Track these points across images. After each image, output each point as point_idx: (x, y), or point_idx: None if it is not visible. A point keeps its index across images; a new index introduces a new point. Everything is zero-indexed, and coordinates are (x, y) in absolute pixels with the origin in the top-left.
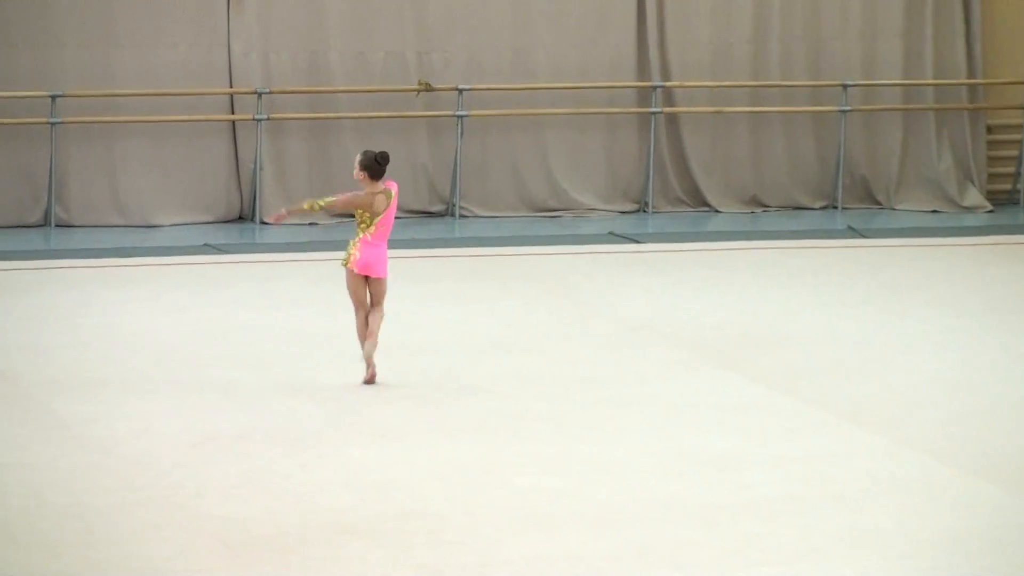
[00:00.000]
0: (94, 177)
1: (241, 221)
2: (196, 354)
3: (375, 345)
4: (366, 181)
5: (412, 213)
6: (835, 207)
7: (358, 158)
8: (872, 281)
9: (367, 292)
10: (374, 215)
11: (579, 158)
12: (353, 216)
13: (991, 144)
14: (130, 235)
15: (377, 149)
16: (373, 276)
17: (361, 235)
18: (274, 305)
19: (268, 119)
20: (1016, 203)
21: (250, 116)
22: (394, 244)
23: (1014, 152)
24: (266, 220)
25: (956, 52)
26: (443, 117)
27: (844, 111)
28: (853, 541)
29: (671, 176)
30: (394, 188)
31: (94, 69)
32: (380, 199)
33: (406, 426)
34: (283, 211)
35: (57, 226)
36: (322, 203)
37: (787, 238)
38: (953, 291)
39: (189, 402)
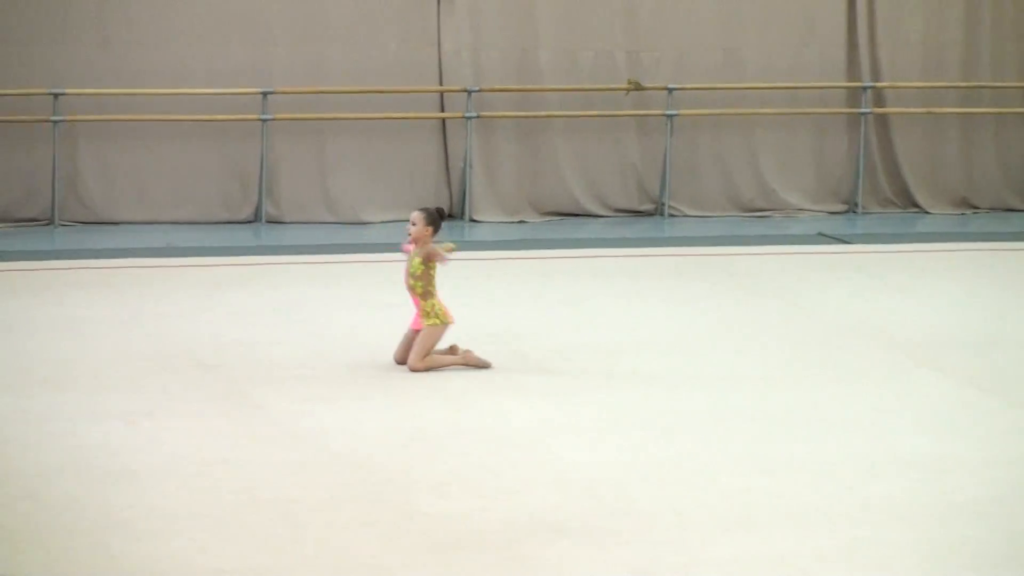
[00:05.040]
0: (304, 174)
1: (450, 219)
2: None
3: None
4: (426, 238)
5: (621, 212)
6: None
7: (421, 215)
8: None
9: None
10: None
11: (788, 158)
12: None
13: None
14: (339, 232)
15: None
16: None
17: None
18: (484, 303)
19: (478, 117)
20: None
21: (460, 114)
22: (602, 243)
23: None
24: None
25: None
26: (652, 116)
27: None
28: None
29: (881, 177)
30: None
31: (305, 66)
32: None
33: (614, 425)
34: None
35: (267, 222)
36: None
37: (997, 240)
38: None
39: (399, 399)
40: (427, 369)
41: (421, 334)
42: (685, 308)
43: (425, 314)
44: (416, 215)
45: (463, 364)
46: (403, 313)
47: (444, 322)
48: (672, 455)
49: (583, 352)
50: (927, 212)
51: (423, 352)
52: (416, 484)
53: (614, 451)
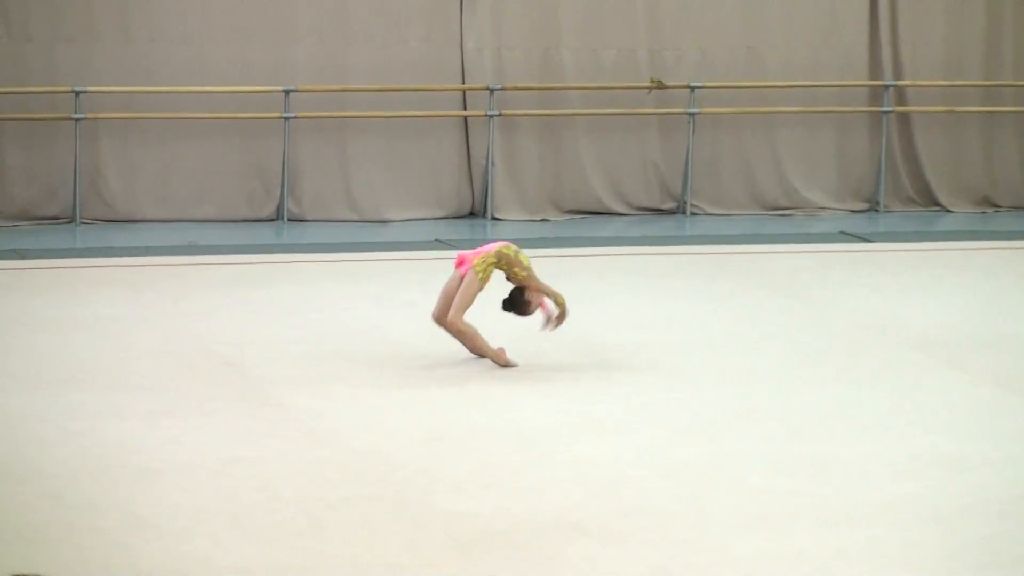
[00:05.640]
0: (326, 172)
1: (472, 217)
2: (426, 349)
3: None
4: (529, 295)
5: (643, 211)
6: None
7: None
8: None
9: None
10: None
11: (810, 156)
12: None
13: None
14: (362, 230)
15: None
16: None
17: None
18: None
19: (500, 115)
20: None
21: (482, 112)
22: (624, 241)
23: None
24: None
25: None
26: (674, 115)
27: None
28: None
29: (902, 175)
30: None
31: (327, 64)
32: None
33: (634, 423)
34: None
35: (289, 220)
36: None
37: (1019, 238)
38: None
39: (419, 398)
40: (459, 333)
41: (463, 284)
42: (706, 307)
43: (474, 266)
44: (520, 310)
45: (493, 357)
46: (424, 312)
47: (484, 279)
48: (692, 454)
49: (603, 350)
50: (949, 210)
51: (463, 305)
52: (436, 483)
53: (634, 449)
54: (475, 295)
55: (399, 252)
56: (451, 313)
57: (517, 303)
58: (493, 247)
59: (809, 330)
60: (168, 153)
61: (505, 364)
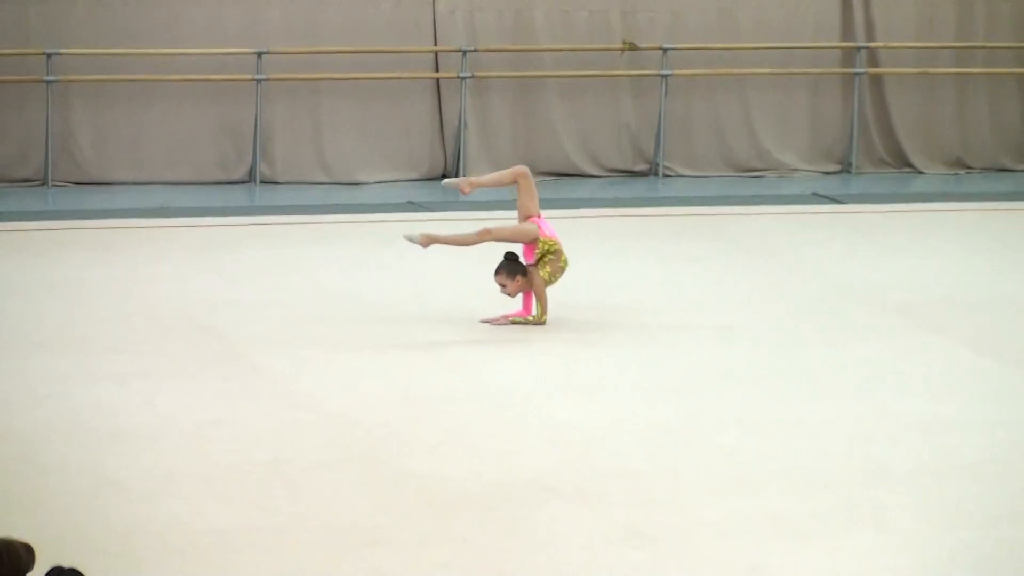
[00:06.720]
0: (298, 134)
1: (445, 179)
2: (400, 312)
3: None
4: (526, 283)
5: (615, 172)
6: None
7: (505, 275)
8: None
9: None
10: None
11: (783, 118)
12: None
13: None
14: (334, 192)
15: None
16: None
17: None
18: (478, 263)
19: (472, 77)
20: None
21: (454, 74)
22: (597, 203)
23: None
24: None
25: None
26: (647, 76)
27: None
28: None
29: (875, 137)
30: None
31: (299, 26)
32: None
33: (609, 386)
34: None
35: (261, 183)
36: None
37: (991, 200)
38: None
39: (393, 360)
40: (478, 236)
41: (524, 226)
42: (680, 268)
43: (545, 239)
44: (501, 278)
45: (439, 239)
46: (397, 274)
47: (536, 244)
48: (666, 416)
49: (577, 313)
50: (921, 172)
51: (506, 236)
52: (410, 445)
53: (608, 412)
54: (516, 238)
55: (372, 214)
56: (494, 227)
57: (514, 267)
58: (560, 243)
59: (783, 292)
60: (140, 115)
61: (420, 240)
